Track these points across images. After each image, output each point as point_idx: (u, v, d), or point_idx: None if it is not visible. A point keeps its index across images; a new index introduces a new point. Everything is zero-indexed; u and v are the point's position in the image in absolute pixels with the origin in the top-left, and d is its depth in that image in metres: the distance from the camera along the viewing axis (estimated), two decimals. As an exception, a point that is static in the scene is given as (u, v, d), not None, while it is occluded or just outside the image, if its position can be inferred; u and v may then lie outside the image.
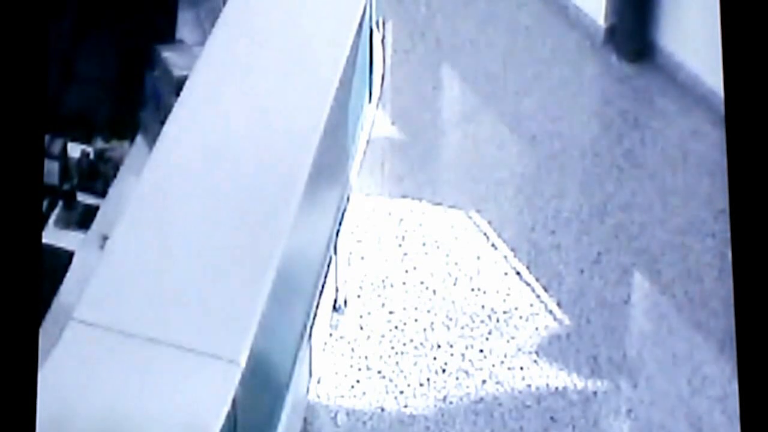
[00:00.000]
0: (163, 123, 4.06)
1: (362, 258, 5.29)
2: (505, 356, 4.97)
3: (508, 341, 5.03)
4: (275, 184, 3.81)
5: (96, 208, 4.13)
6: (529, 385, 4.87)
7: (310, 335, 4.15)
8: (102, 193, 4.24)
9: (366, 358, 4.92)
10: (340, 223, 4.53)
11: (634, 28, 6.29)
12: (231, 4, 4.44)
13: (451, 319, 5.10)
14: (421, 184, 5.72)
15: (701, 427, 4.73)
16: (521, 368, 4.93)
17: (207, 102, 4.09)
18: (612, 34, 6.36)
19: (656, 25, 6.23)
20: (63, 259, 3.88)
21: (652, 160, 5.83)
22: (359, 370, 4.89)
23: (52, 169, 4.21)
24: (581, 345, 5.03)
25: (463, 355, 4.97)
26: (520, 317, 5.12)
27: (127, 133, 4.55)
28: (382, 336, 4.97)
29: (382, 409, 4.75)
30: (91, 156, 4.37)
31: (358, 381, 4.85)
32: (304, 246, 4.09)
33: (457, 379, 4.88)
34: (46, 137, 4.17)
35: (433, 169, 5.86)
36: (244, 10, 4.39)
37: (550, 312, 5.15)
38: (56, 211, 4.21)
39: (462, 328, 5.07)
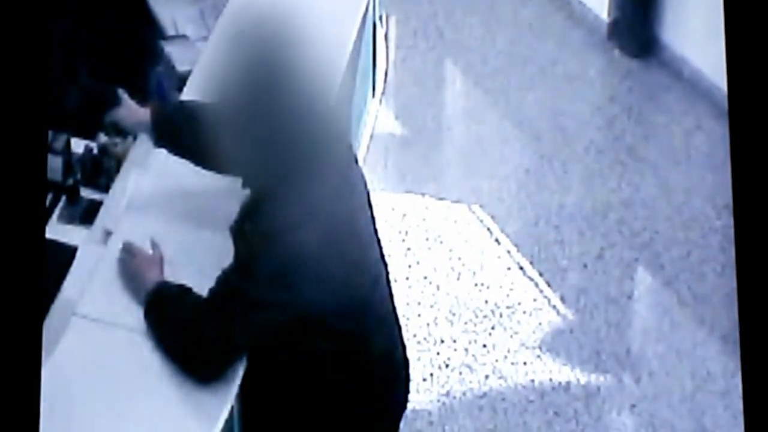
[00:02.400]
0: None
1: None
2: (509, 351, 4.97)
3: (511, 336, 5.03)
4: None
5: (99, 203, 4.12)
6: (532, 380, 4.87)
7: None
8: (105, 188, 4.23)
9: (369, 353, 4.91)
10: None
11: (637, 23, 6.29)
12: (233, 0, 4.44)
13: (454, 314, 5.10)
14: (424, 179, 5.72)
15: (704, 423, 4.73)
16: (524, 363, 4.93)
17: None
18: (615, 29, 6.36)
19: (660, 20, 6.22)
20: (66, 254, 3.88)
21: (656, 155, 5.82)
22: (362, 365, 4.88)
23: (55, 164, 4.20)
24: (584, 340, 5.03)
25: (466, 350, 4.97)
26: (524, 312, 5.12)
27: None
28: (386, 331, 4.96)
29: (386, 405, 4.74)
30: (95, 151, 4.36)
31: (361, 376, 4.84)
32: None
33: (460, 374, 4.88)
34: (50, 133, 4.16)
35: (436, 165, 5.86)
36: (246, 5, 4.38)
37: (554, 307, 5.15)
38: (59, 206, 4.20)
39: (465, 323, 5.07)
